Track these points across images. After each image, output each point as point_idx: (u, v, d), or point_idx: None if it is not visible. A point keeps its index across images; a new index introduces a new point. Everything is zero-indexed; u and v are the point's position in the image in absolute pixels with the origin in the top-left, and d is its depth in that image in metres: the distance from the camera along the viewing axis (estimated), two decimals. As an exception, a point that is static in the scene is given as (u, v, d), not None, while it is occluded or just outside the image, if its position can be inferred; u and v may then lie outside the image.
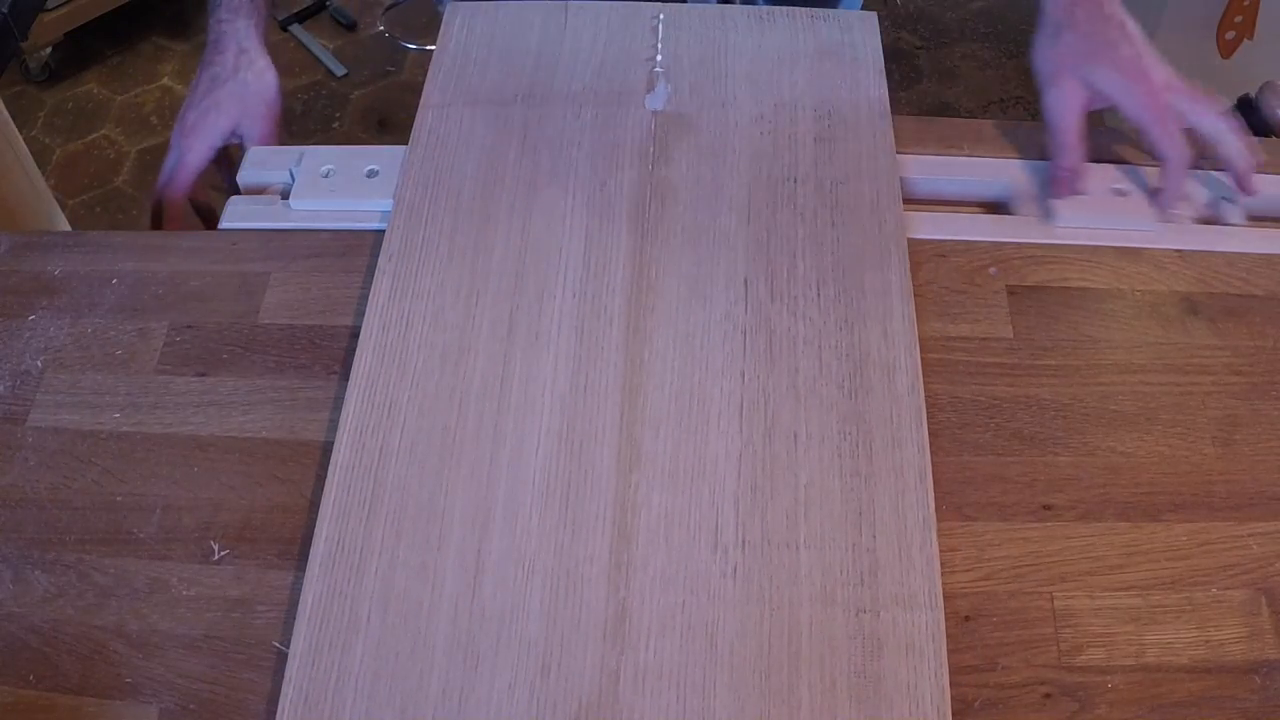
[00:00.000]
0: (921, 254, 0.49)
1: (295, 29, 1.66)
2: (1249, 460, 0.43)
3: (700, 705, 0.36)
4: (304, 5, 1.68)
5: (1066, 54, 0.48)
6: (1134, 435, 0.43)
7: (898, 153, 0.51)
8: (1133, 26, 0.48)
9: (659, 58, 0.55)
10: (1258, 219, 0.52)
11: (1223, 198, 0.51)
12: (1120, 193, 0.50)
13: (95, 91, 1.61)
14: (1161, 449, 0.43)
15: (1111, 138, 0.53)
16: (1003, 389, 0.45)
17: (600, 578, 0.38)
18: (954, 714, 0.36)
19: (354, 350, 0.45)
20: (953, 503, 0.41)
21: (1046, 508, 0.42)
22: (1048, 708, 0.37)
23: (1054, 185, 0.49)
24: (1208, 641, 0.39)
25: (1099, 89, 0.47)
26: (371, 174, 0.52)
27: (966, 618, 0.39)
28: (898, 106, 0.53)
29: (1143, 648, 0.39)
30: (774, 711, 0.36)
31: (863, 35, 0.56)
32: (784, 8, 0.57)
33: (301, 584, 0.39)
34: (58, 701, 0.38)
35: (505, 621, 0.38)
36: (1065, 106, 0.47)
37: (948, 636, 0.37)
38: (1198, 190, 0.51)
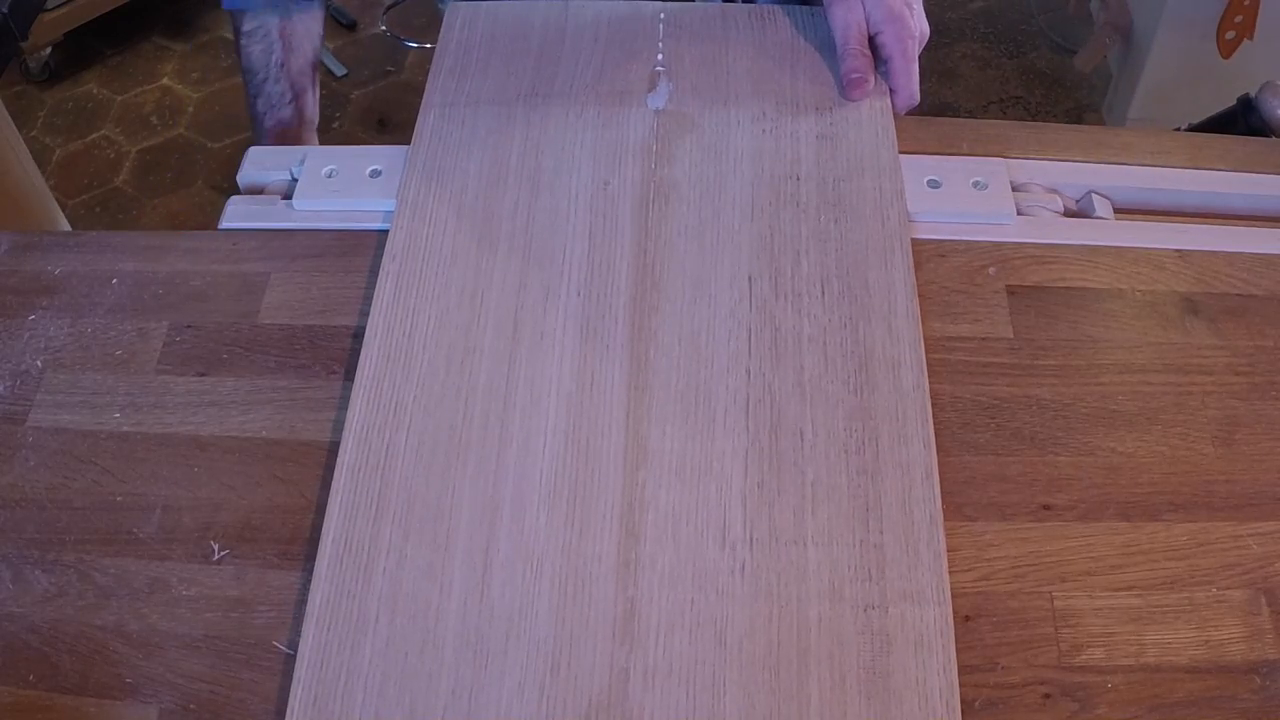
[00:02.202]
0: (922, 254, 0.49)
1: (294, 29, 1.65)
2: (1249, 460, 0.43)
3: (710, 703, 0.36)
4: (303, 5, 1.68)
5: None
6: (1134, 435, 0.44)
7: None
8: None
9: (660, 56, 0.55)
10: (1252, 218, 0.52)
11: (1092, 191, 0.52)
12: (980, 186, 0.51)
13: (95, 91, 1.61)
14: (1161, 449, 0.43)
15: (971, 131, 0.54)
16: (1003, 389, 0.45)
17: (608, 576, 0.38)
18: (957, 712, 0.36)
19: (354, 350, 0.45)
20: (953, 502, 0.41)
21: (1046, 508, 0.42)
22: (1048, 708, 0.37)
23: (847, 87, 0.53)
24: (1208, 641, 0.39)
25: (870, 14, 0.53)
26: (374, 174, 0.52)
27: (967, 618, 0.39)
28: (898, 106, 0.53)
29: (1143, 648, 0.39)
30: (784, 708, 0.36)
31: (863, 35, 0.56)
32: (785, 6, 0.57)
33: (302, 584, 0.39)
34: (58, 701, 0.38)
35: (514, 620, 0.38)
36: (847, 21, 0.53)
37: (949, 637, 0.37)
38: (1069, 185, 0.52)
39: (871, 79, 0.53)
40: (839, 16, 0.53)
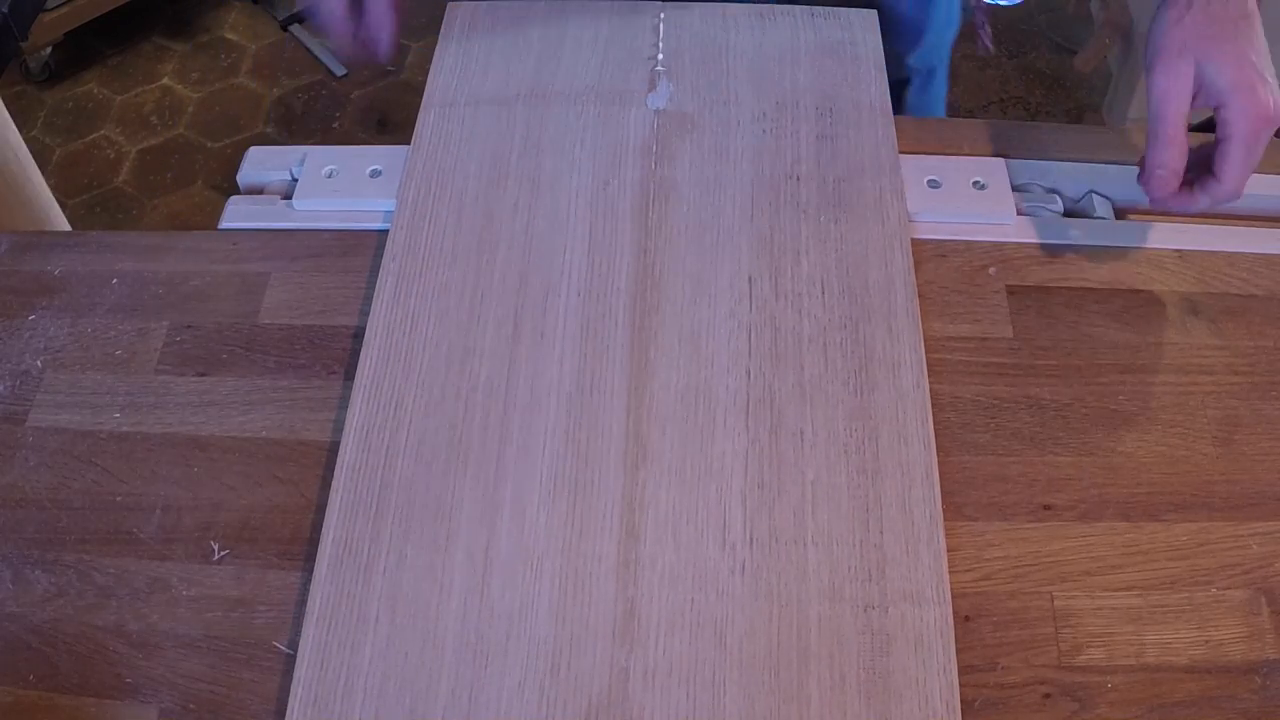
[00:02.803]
0: (922, 254, 0.49)
1: (295, 29, 1.66)
2: (1249, 460, 0.43)
3: (710, 703, 0.36)
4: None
5: (1190, 32, 0.41)
6: (1134, 435, 0.44)
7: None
8: (1258, 22, 0.42)
9: (660, 56, 0.55)
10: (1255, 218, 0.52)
11: (1093, 191, 0.51)
12: (980, 186, 0.51)
13: (95, 91, 1.61)
14: (1161, 449, 0.43)
15: (971, 131, 0.54)
16: (1003, 389, 0.45)
17: (609, 576, 0.38)
18: (957, 712, 0.36)
19: (354, 350, 0.45)
20: (953, 503, 0.41)
21: (1046, 508, 0.42)
22: (1048, 708, 0.37)
23: (1147, 183, 0.43)
24: (1208, 641, 0.39)
25: (1209, 82, 0.41)
26: (375, 174, 0.52)
27: (967, 618, 0.39)
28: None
29: (1143, 648, 0.39)
30: (784, 708, 0.36)
31: (863, 33, 0.56)
32: (785, 5, 0.57)
33: (302, 584, 0.39)
34: (58, 701, 0.38)
35: (514, 620, 0.38)
36: (1169, 92, 0.41)
37: (949, 637, 0.37)
38: (1069, 185, 0.52)
39: (1181, 179, 0.42)
40: (1160, 84, 0.41)
